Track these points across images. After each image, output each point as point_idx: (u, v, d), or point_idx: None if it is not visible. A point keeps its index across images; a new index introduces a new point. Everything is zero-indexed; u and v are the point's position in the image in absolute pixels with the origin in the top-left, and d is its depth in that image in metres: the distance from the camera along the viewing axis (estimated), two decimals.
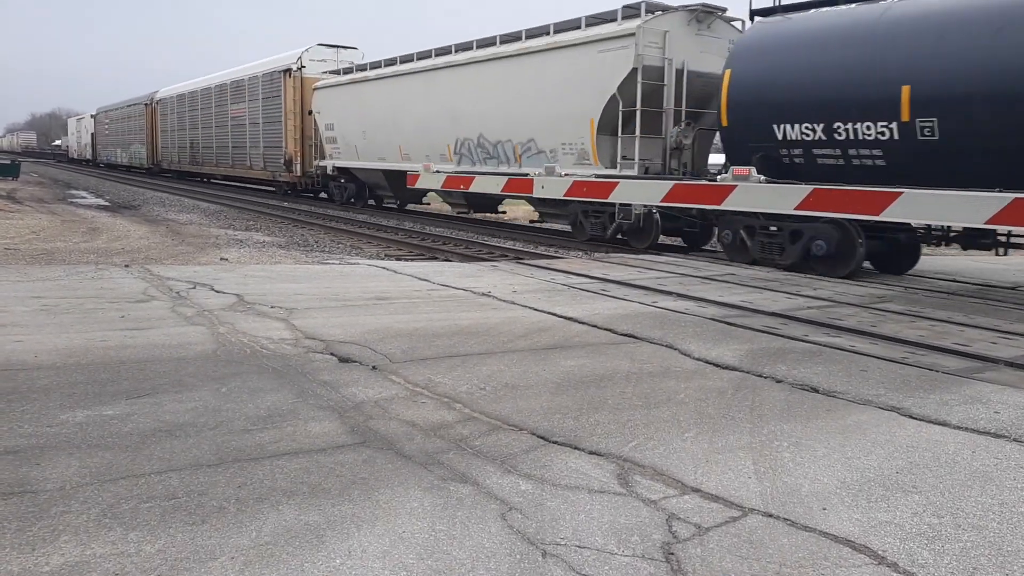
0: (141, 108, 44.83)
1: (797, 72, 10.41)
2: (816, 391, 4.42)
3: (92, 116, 59.63)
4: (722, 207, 11.08)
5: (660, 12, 13.46)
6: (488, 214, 20.75)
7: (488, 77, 16.75)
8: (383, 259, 12.10)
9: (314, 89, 24.14)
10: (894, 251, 10.54)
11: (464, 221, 19.70)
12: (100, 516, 2.63)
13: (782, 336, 5.85)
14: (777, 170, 10.76)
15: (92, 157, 60.19)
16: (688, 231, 14.13)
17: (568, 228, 15.53)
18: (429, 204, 23.44)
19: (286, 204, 25.09)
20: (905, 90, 9.15)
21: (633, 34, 13.11)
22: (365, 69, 21.88)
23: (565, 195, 13.91)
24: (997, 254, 10.05)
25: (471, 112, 17.19)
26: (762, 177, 10.75)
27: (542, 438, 3.53)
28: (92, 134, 59.88)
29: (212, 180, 37.90)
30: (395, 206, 23.85)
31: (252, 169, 29.65)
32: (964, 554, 2.56)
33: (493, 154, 16.65)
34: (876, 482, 3.13)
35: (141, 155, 45.51)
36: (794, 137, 10.45)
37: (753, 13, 11.99)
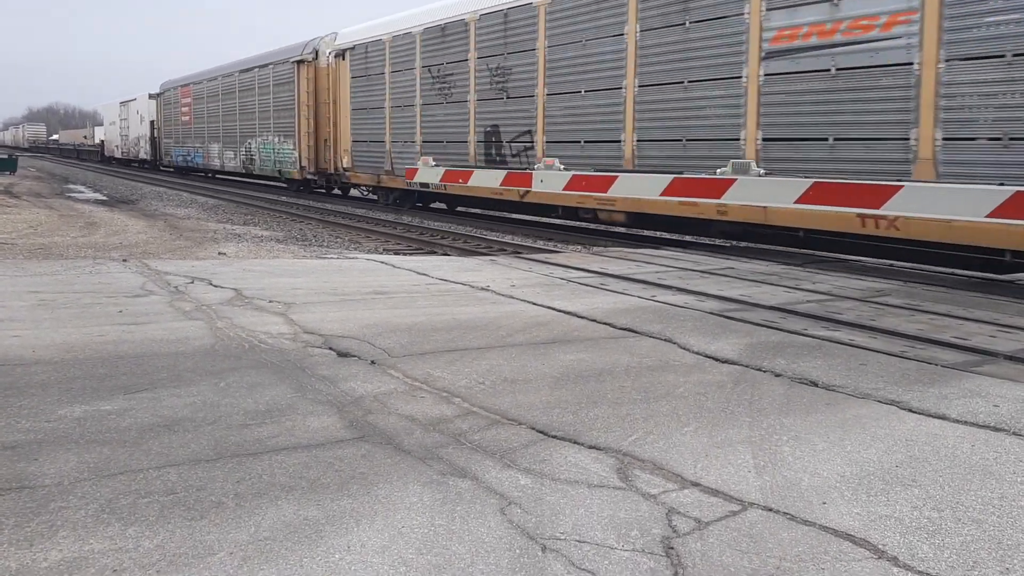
0: (287, 70, 23.95)
1: None
2: (815, 385, 4.41)
3: (154, 96, 40.27)
4: (722, 201, 11.05)
5: None
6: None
7: None
8: (381, 253, 12.09)
9: None
10: None
11: (462, 216, 19.67)
12: (98, 511, 2.62)
13: (781, 330, 5.85)
14: None
15: (152, 157, 41.56)
16: None
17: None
18: None
19: (284, 198, 23.47)
20: None
21: None
22: None
23: (563, 189, 13.87)
24: None
25: None
26: (761, 171, 10.73)
27: (541, 432, 3.52)
28: (152, 123, 40.74)
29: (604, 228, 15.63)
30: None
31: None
32: (964, 548, 2.55)
33: None
34: (876, 476, 3.13)
35: (284, 156, 24.62)
36: None
37: None
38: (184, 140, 35.28)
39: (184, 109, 35.00)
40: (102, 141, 56.80)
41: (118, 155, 49.70)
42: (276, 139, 25.21)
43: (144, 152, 42.95)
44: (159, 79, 42.13)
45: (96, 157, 58.90)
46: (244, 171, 28.62)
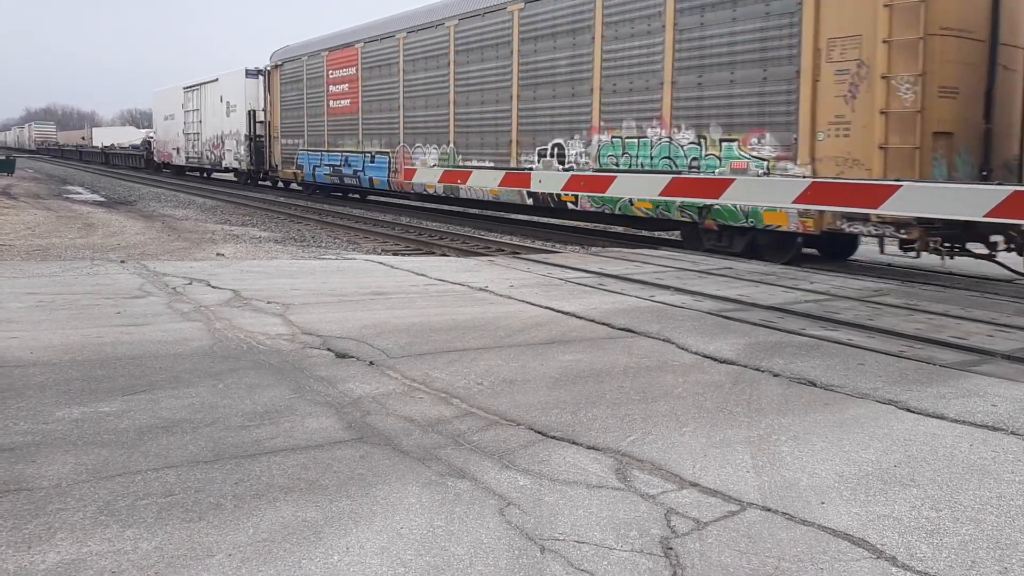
0: None
1: None
2: (814, 385, 4.41)
3: (255, 73, 27.25)
4: (720, 200, 11.04)
5: None
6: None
7: None
8: (380, 254, 12.09)
9: None
10: None
11: (460, 216, 19.66)
12: (96, 513, 2.62)
13: (779, 330, 5.85)
14: None
15: (253, 166, 27.73)
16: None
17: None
18: None
19: (281, 199, 23.53)
20: None
21: None
22: None
23: (562, 189, 13.85)
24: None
25: None
26: (759, 171, 10.72)
27: (540, 433, 3.52)
28: (251, 113, 27.35)
29: None
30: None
31: None
32: (962, 547, 2.56)
33: None
34: (874, 476, 3.13)
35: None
36: None
37: None
38: (336, 140, 20.83)
39: (337, 88, 20.62)
40: (148, 142, 42.93)
41: (178, 161, 35.73)
42: (686, 135, 11.20)
43: (235, 158, 28.71)
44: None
45: (137, 162, 44.24)
46: (526, 200, 14.16)
